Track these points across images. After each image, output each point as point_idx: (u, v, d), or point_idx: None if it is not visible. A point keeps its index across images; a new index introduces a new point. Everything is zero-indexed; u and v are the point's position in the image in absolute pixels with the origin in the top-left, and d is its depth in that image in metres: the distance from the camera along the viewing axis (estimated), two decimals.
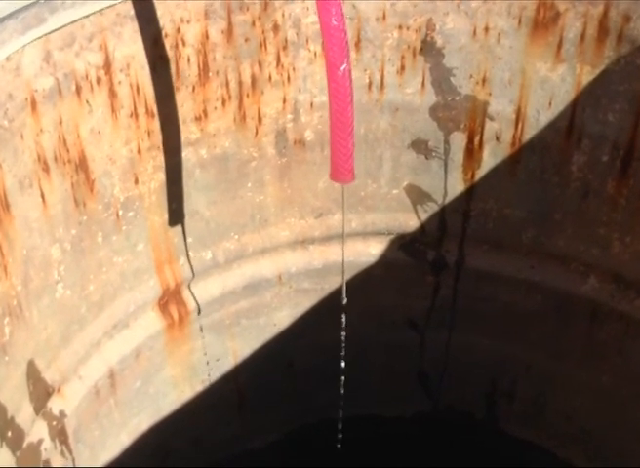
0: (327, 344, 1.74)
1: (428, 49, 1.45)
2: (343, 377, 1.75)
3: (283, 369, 1.88)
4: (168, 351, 1.67)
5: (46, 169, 1.26)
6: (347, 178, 1.22)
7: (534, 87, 1.45)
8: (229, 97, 1.43)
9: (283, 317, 1.79)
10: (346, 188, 1.53)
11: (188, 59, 1.34)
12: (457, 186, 1.61)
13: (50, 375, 1.43)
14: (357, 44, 1.44)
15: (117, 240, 1.44)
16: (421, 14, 1.41)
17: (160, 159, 1.42)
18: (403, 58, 1.46)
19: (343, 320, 1.57)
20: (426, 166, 1.60)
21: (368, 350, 1.90)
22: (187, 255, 1.58)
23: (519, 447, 1.95)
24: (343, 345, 1.59)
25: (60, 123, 1.25)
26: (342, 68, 1.10)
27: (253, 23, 1.36)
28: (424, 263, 1.73)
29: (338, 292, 1.76)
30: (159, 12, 1.28)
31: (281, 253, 1.70)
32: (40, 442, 1.40)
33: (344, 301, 1.52)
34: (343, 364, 1.66)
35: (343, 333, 1.60)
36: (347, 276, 1.73)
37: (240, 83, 1.42)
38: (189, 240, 1.56)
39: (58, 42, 1.20)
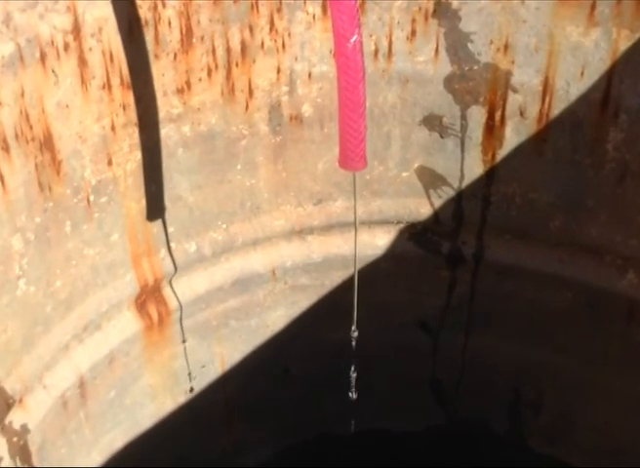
0: (327, 348, 1.74)
1: (443, 11, 1.44)
2: (346, 386, 1.75)
3: (278, 376, 1.88)
4: (146, 357, 1.66)
5: (5, 148, 1.26)
6: (359, 165, 1.22)
7: (563, 54, 1.45)
8: (216, 67, 1.42)
9: (277, 317, 1.79)
10: (352, 172, 1.53)
11: (169, 23, 1.34)
12: (475, 168, 1.61)
13: (10, 385, 1.42)
14: (362, 5, 1.43)
15: (88, 229, 1.44)
16: None
17: (137, 137, 1.41)
18: (414, 21, 1.45)
19: (354, 321, 1.57)
20: (441, 145, 1.60)
21: (374, 355, 1.90)
22: (168, 247, 1.58)
23: (545, 465, 1.95)
24: (353, 343, 1.59)
25: (22, 95, 1.24)
26: (353, 40, 1.09)
27: None
28: (438, 256, 1.73)
29: (339, 289, 1.76)
30: None
31: (275, 244, 1.69)
32: None
33: (355, 304, 1.52)
34: (351, 370, 1.66)
35: (355, 334, 1.59)
36: (351, 270, 1.73)
37: (228, 50, 1.41)
38: (171, 229, 1.56)
39: (19, 3, 1.19)
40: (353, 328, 1.57)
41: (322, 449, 2.00)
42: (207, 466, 1.91)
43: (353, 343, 1.60)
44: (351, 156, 1.19)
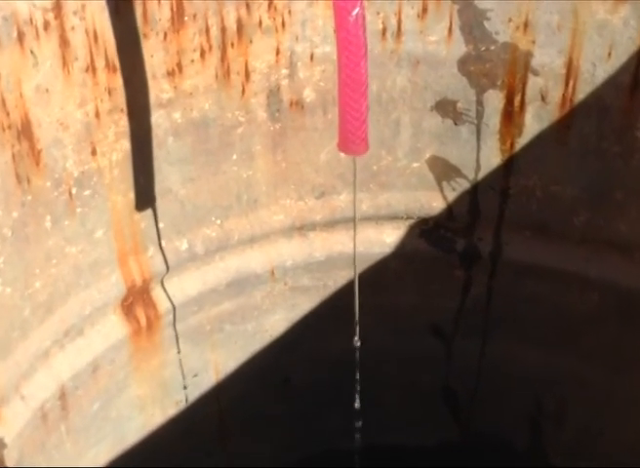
0: (331, 356, 1.75)
1: None
2: (351, 398, 1.75)
3: (277, 386, 1.89)
4: (133, 365, 1.67)
5: None
6: (360, 149, 1.22)
7: (589, 33, 1.45)
8: (210, 48, 1.43)
9: (277, 322, 1.79)
10: (356, 161, 1.53)
11: None
12: (492, 158, 1.62)
13: None
14: None
15: (70, 225, 1.44)
16: None
17: (123, 124, 1.42)
18: None
19: (356, 330, 1.58)
20: (454, 133, 1.60)
21: (382, 363, 1.91)
22: (158, 245, 1.58)
23: None
24: (357, 348, 1.60)
25: None
26: (355, 13, 1.10)
27: None
28: (452, 255, 1.74)
29: (344, 291, 1.76)
30: None
31: (274, 241, 1.70)
32: None
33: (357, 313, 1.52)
34: (357, 379, 1.67)
35: (358, 344, 1.60)
36: (357, 270, 1.73)
37: (223, 29, 1.42)
38: (160, 225, 1.57)
39: None
40: (356, 338, 1.58)
41: (325, 466, 2.00)
42: None
43: (357, 355, 1.60)
44: (352, 139, 1.20)
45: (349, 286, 1.75)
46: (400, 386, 1.96)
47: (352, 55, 1.12)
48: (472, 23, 1.48)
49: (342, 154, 1.26)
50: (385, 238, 1.73)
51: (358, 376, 1.68)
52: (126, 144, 1.44)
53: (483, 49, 1.50)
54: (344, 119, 1.18)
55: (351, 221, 1.70)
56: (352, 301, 1.52)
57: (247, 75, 1.48)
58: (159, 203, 1.54)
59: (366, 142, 1.21)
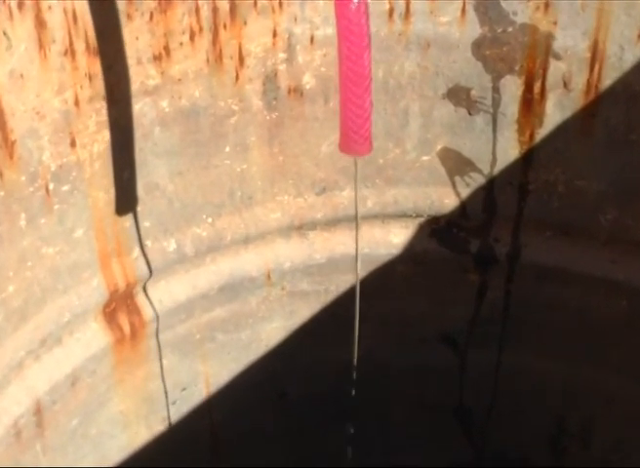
0: (332, 368, 1.75)
1: None
2: (354, 414, 1.76)
3: (273, 401, 1.89)
4: (116, 377, 1.67)
5: None
6: (363, 149, 1.22)
7: (616, 13, 1.45)
8: (200, 30, 1.43)
9: (273, 330, 1.80)
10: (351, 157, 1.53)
11: None
12: (510, 150, 1.62)
13: None
14: None
15: (47, 224, 1.45)
16: None
17: (105, 113, 1.42)
18: None
19: (356, 334, 1.58)
20: (468, 123, 1.61)
21: (389, 377, 1.91)
22: (143, 246, 1.59)
23: None
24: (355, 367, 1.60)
25: None
26: (357, 0, 1.11)
27: None
28: (466, 257, 1.74)
29: (347, 297, 1.77)
30: None
31: (270, 242, 1.71)
32: None
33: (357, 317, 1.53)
34: (360, 394, 1.67)
35: (354, 360, 1.60)
36: (361, 274, 1.74)
37: (214, 10, 1.42)
38: (146, 224, 1.57)
39: None
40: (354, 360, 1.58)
41: None
42: None
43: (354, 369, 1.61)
44: (354, 138, 1.20)
45: (353, 291, 1.75)
46: (407, 402, 1.96)
47: (354, 45, 1.13)
48: (488, 3, 1.48)
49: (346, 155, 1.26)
50: (392, 238, 1.74)
51: (360, 391, 1.68)
52: (108, 135, 1.44)
53: (500, 31, 1.50)
54: (346, 116, 1.18)
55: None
56: (354, 308, 1.53)
57: (241, 60, 1.49)
58: (144, 199, 1.54)
59: (369, 142, 1.21)
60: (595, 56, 1.50)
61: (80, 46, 1.34)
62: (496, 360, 1.86)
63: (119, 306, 1.62)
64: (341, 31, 1.12)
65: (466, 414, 1.99)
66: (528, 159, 1.62)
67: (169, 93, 1.47)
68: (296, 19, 1.48)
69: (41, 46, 1.30)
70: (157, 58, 1.43)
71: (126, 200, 1.52)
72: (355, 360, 1.61)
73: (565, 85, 1.53)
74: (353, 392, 1.71)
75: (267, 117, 1.57)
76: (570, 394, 1.86)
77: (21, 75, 1.31)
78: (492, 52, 1.53)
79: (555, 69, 1.52)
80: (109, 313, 1.62)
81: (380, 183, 1.68)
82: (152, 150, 1.51)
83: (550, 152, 1.61)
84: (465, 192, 1.68)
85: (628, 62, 1.49)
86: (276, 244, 1.71)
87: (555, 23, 1.48)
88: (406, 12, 1.50)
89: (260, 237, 1.69)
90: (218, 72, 1.49)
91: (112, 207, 1.52)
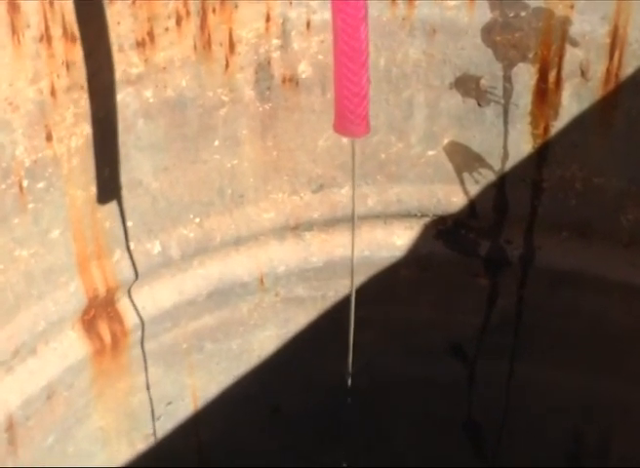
0: (330, 381, 1.75)
1: None
2: (354, 430, 1.76)
3: (266, 416, 1.89)
4: (96, 390, 1.67)
5: None
6: (360, 130, 1.22)
7: None
8: (187, 14, 1.43)
9: (266, 339, 1.80)
10: (361, 148, 1.53)
11: None
12: (522, 145, 1.62)
13: None
14: None
15: (20, 224, 1.45)
16: None
17: (84, 104, 1.42)
18: None
19: (350, 344, 1.58)
20: (478, 114, 1.61)
21: (393, 390, 1.91)
22: (126, 248, 1.59)
23: None
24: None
25: None
26: None
27: None
28: (475, 260, 1.74)
29: (346, 303, 1.75)
30: None
31: (263, 244, 1.70)
32: None
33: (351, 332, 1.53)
34: (359, 409, 1.67)
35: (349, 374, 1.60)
36: (361, 279, 1.74)
37: None
38: (129, 224, 1.57)
39: None
40: (349, 369, 1.58)
41: None
42: None
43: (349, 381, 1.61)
44: (350, 118, 1.19)
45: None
46: (413, 417, 1.96)
47: (350, 17, 1.12)
48: None
49: (345, 139, 1.26)
50: (396, 240, 1.74)
51: (361, 406, 1.68)
52: (87, 128, 1.44)
53: (512, 15, 1.50)
54: (341, 94, 1.18)
55: (356, 220, 1.70)
56: (355, 315, 1.53)
57: (231, 46, 1.49)
58: (127, 198, 1.54)
59: (367, 122, 1.21)
60: (615, 42, 1.50)
61: (57, 31, 1.33)
62: (507, 371, 1.87)
63: (99, 313, 1.62)
64: (336, 2, 1.12)
65: (476, 430, 1.99)
66: (542, 154, 1.62)
67: (153, 82, 1.47)
68: (291, 3, 1.49)
69: (14, 31, 1.30)
70: (140, 45, 1.42)
71: (106, 198, 1.52)
72: (350, 370, 1.61)
73: (582, 74, 1.53)
74: (353, 406, 1.70)
75: (260, 108, 1.56)
76: (586, 407, 1.86)
77: None
78: (503, 38, 1.53)
79: (572, 57, 1.52)
80: (88, 321, 1.61)
81: (382, 180, 1.68)
82: (135, 144, 1.51)
83: (566, 147, 1.61)
84: (474, 190, 1.68)
85: None
86: (270, 246, 1.71)
87: (572, 7, 1.48)
88: None
89: (252, 238, 1.69)
90: (206, 60, 1.49)
91: (91, 206, 1.51)
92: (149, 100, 1.48)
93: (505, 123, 1.61)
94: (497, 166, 1.65)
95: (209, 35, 1.46)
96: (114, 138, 1.48)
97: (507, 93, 1.58)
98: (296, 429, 1.92)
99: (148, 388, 1.74)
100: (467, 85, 1.58)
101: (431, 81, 1.58)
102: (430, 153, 1.66)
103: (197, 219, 1.64)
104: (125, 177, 1.52)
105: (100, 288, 1.60)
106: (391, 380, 1.88)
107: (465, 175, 1.67)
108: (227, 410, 1.83)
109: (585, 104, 1.56)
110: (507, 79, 1.56)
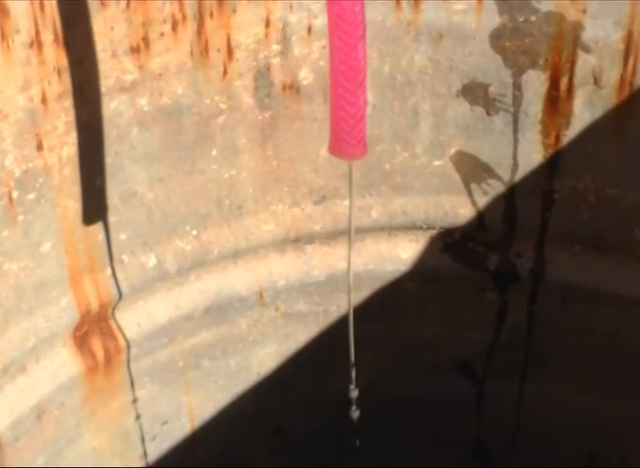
0: (333, 400, 1.75)
1: None
2: (358, 452, 1.75)
3: (267, 437, 1.88)
4: (88, 410, 1.67)
5: None
6: (356, 152, 1.22)
7: None
8: (183, 18, 1.43)
9: (266, 356, 1.80)
10: (364, 159, 1.52)
11: None
12: (533, 154, 1.62)
13: None
14: None
15: (10, 236, 1.45)
16: None
17: (76, 113, 1.42)
18: None
19: (352, 360, 1.58)
20: (486, 123, 1.61)
21: (397, 410, 1.91)
22: (119, 261, 1.59)
23: None
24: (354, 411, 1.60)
25: None
26: None
27: None
28: (483, 274, 1.74)
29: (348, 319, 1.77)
30: None
31: (263, 257, 1.71)
32: None
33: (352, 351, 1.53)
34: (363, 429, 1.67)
35: (355, 394, 1.60)
36: (365, 293, 1.74)
37: None
38: (122, 237, 1.57)
39: None
40: (352, 386, 1.58)
41: None
42: None
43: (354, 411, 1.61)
44: (346, 139, 1.19)
45: (355, 312, 1.75)
46: (419, 439, 1.96)
47: (347, 35, 1.12)
48: None
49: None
50: (401, 253, 1.74)
51: (365, 426, 1.68)
52: (79, 137, 1.44)
53: (521, 20, 1.51)
54: (338, 115, 1.18)
55: (359, 232, 1.71)
56: (357, 331, 1.52)
57: (229, 52, 1.49)
58: (121, 209, 1.54)
59: (363, 144, 1.21)
60: (629, 48, 1.49)
61: (48, 37, 1.34)
62: (517, 390, 1.86)
63: (91, 329, 1.62)
64: (332, 18, 1.11)
65: (485, 452, 1.98)
66: (553, 164, 1.62)
67: (148, 89, 1.47)
68: (291, 7, 1.49)
69: (3, 36, 1.30)
70: (135, 51, 1.43)
71: (99, 210, 1.52)
72: (354, 389, 1.61)
73: (595, 81, 1.53)
74: (357, 427, 1.70)
75: (259, 117, 1.57)
76: (601, 430, 1.86)
77: None
78: (512, 43, 1.53)
79: (584, 63, 1.52)
80: (80, 337, 1.62)
81: (387, 191, 1.68)
82: (129, 154, 1.51)
83: (579, 156, 1.60)
84: (483, 201, 1.68)
85: None
86: (269, 259, 1.71)
87: (584, 11, 1.48)
88: None
89: (251, 251, 1.69)
90: (203, 66, 1.49)
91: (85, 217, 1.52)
92: (144, 108, 1.49)
93: (515, 132, 1.61)
94: (506, 176, 1.65)
95: (206, 40, 1.47)
96: (107, 148, 1.48)
97: (517, 101, 1.58)
98: (298, 450, 1.92)
99: (143, 407, 1.73)
100: (475, 92, 1.58)
101: (437, 88, 1.58)
102: (437, 163, 1.66)
103: (194, 232, 1.64)
104: (119, 188, 1.52)
105: (93, 303, 1.60)
106: (396, 400, 1.88)
107: (473, 185, 1.67)
108: (226, 431, 1.83)
109: (598, 113, 1.56)
110: (517, 86, 1.56)
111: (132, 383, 1.70)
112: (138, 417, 1.75)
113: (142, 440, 1.78)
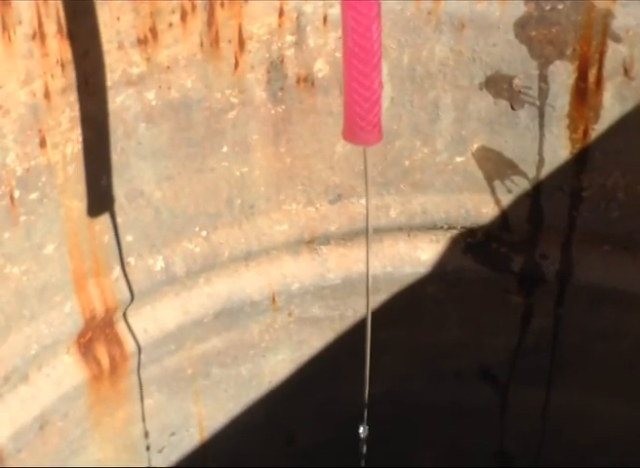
0: (347, 408, 1.74)
1: None
2: (375, 462, 1.75)
3: (279, 448, 1.89)
4: (93, 420, 1.67)
5: None
6: (371, 137, 1.22)
7: None
8: (193, 8, 1.43)
9: (279, 363, 1.80)
10: (383, 154, 1.53)
11: None
12: (559, 150, 1.62)
13: None
14: None
15: (11, 238, 1.45)
16: None
17: (81, 107, 1.42)
18: None
19: (367, 368, 1.58)
20: (510, 117, 1.61)
21: (418, 418, 1.91)
22: (125, 264, 1.59)
23: None
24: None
25: None
26: None
27: None
28: (507, 276, 1.74)
29: (365, 324, 1.76)
30: None
31: (276, 259, 1.70)
32: None
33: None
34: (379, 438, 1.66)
35: (364, 433, 1.61)
36: (383, 297, 1.74)
37: None
38: (129, 238, 1.57)
39: None
40: (361, 428, 1.58)
41: None
42: None
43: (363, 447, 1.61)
44: (361, 124, 1.19)
45: (373, 317, 1.75)
46: (439, 449, 1.96)
47: (361, 16, 1.12)
48: None
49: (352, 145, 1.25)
50: (420, 254, 1.74)
51: (382, 436, 1.68)
52: (84, 133, 1.44)
53: (548, 8, 1.50)
54: (351, 99, 1.18)
55: (376, 232, 1.71)
56: (375, 337, 1.52)
57: (241, 44, 1.49)
58: (127, 209, 1.54)
59: (379, 129, 1.21)
60: None
61: (51, 28, 1.33)
62: (543, 398, 1.86)
63: (96, 336, 1.62)
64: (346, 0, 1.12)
65: (509, 462, 1.98)
66: (581, 160, 1.62)
67: (156, 83, 1.47)
68: None
69: (4, 28, 1.30)
70: (142, 42, 1.42)
71: (105, 210, 1.52)
72: (367, 398, 1.61)
73: (626, 72, 1.53)
74: (373, 437, 1.70)
75: (272, 111, 1.57)
76: (631, 440, 1.85)
77: None
78: (538, 33, 1.52)
79: (614, 53, 1.52)
80: (85, 344, 1.62)
81: (407, 189, 1.68)
82: (136, 151, 1.51)
83: (608, 152, 1.60)
84: (507, 200, 1.68)
85: None
86: (282, 261, 1.71)
87: None
88: None
89: (263, 253, 1.69)
90: (213, 58, 1.49)
91: (88, 218, 1.51)
92: (152, 103, 1.48)
93: (541, 126, 1.60)
94: (531, 173, 1.65)
95: (216, 31, 1.46)
96: (113, 145, 1.48)
97: (543, 93, 1.57)
98: (312, 461, 1.92)
99: (150, 417, 1.74)
100: (499, 85, 1.58)
101: (459, 81, 1.58)
102: (458, 160, 1.66)
103: (203, 233, 1.64)
104: (125, 187, 1.52)
105: (98, 308, 1.60)
106: (416, 408, 1.88)
107: (497, 183, 1.67)
108: (236, 442, 1.83)
109: (629, 105, 1.56)
110: (543, 78, 1.56)
111: (139, 392, 1.70)
112: (144, 429, 1.75)
113: (149, 452, 1.78)
